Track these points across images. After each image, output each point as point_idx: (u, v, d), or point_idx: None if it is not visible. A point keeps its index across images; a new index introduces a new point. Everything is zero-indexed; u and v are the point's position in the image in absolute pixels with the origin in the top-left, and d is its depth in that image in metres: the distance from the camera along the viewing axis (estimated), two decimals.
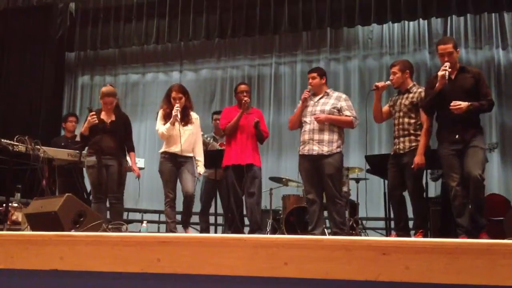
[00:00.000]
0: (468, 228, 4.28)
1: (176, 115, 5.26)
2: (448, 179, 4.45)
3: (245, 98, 5.61)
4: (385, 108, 5.11)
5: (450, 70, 4.40)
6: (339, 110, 5.07)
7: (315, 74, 5.22)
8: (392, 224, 5.29)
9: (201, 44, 9.39)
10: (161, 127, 5.37)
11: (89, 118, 5.36)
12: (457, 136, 4.39)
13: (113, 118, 5.48)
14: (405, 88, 4.91)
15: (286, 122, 8.83)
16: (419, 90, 4.86)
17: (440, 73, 4.42)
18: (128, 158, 5.67)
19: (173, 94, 5.39)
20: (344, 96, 5.24)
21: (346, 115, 5.06)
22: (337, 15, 8.18)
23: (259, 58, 9.24)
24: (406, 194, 4.90)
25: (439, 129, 4.63)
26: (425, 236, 4.69)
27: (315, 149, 4.99)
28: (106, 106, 5.49)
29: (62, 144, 6.46)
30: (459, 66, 4.56)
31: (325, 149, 4.96)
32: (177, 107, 5.28)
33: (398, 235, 4.73)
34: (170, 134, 5.31)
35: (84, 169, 6.55)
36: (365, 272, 2.08)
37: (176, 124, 5.30)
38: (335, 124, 5.04)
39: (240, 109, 5.64)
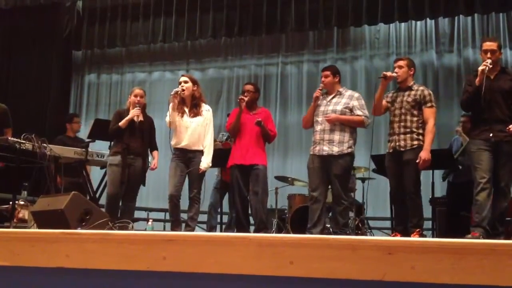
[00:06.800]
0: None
1: (176, 93, 5.17)
2: (476, 173, 4.47)
3: (241, 96, 5.60)
4: (383, 103, 5.00)
5: (490, 66, 4.41)
6: (351, 110, 5.02)
7: (328, 72, 5.14)
8: None
9: (207, 43, 9.40)
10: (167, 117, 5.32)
11: (134, 111, 5.37)
12: (491, 135, 4.44)
13: (141, 118, 5.46)
14: (406, 85, 4.87)
15: (292, 122, 8.90)
16: (421, 88, 4.87)
17: (480, 68, 4.44)
18: (150, 157, 5.70)
19: (180, 79, 5.38)
20: (356, 94, 5.16)
21: (357, 115, 5.00)
22: (344, 14, 8.17)
23: (266, 57, 9.23)
24: None
25: (472, 128, 4.73)
26: (421, 235, 4.63)
27: (325, 149, 4.94)
28: (136, 101, 5.48)
29: (68, 143, 6.46)
30: (500, 68, 4.60)
31: (335, 150, 4.91)
32: (182, 87, 5.24)
33: (401, 235, 4.68)
34: (173, 121, 5.20)
35: (89, 167, 6.64)
36: (370, 271, 2.07)
37: (185, 116, 5.24)
38: (346, 124, 5.00)
39: (247, 109, 5.64)
